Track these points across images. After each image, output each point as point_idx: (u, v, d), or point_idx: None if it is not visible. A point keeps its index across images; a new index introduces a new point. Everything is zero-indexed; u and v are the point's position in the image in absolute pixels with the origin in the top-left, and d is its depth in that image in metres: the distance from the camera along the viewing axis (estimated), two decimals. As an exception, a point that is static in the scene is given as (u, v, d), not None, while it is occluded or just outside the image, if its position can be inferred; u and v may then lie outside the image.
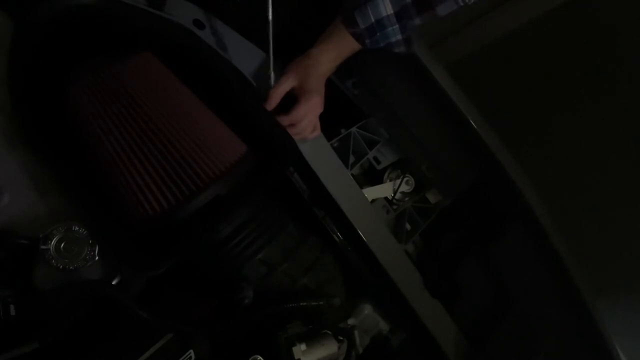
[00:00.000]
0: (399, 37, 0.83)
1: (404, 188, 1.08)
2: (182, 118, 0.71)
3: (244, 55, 0.86)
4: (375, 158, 1.08)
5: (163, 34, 0.79)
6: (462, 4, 0.81)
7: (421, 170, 1.10)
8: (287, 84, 0.83)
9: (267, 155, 0.77)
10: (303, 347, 0.76)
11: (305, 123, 0.85)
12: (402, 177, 1.07)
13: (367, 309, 0.94)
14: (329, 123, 0.92)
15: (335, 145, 1.00)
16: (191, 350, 0.68)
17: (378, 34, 0.82)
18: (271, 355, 0.74)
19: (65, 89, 0.71)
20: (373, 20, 0.81)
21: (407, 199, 1.09)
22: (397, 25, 0.82)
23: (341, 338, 0.84)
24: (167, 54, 0.78)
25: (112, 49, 0.75)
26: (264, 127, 0.80)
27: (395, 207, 1.06)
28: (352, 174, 1.00)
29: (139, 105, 0.69)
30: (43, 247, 0.63)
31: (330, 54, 0.86)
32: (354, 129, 1.05)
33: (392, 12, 0.80)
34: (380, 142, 1.08)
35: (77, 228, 0.65)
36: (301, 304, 0.79)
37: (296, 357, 0.76)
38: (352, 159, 1.03)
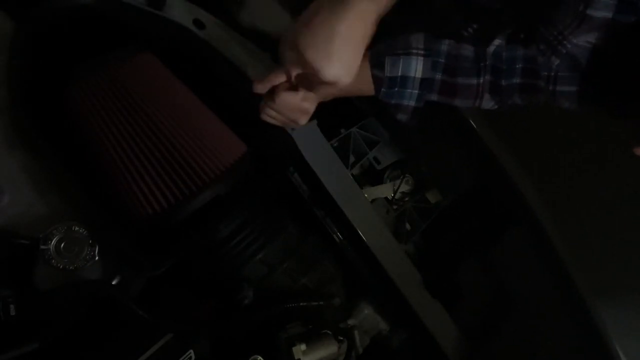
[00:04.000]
0: (412, 103, 0.79)
1: (404, 188, 1.08)
2: (182, 118, 0.71)
3: (244, 55, 0.86)
4: (375, 158, 1.08)
5: (163, 34, 0.79)
6: (476, 105, 0.78)
7: (421, 170, 1.10)
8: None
9: (267, 155, 0.78)
10: (303, 347, 0.76)
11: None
12: (402, 177, 1.07)
13: (367, 309, 0.94)
14: (329, 123, 0.92)
15: (335, 145, 1.00)
16: (191, 350, 0.68)
17: (396, 89, 0.77)
18: (271, 355, 0.74)
19: (65, 89, 0.71)
20: (400, 74, 0.76)
21: (407, 199, 1.09)
22: (417, 91, 0.77)
23: (341, 338, 0.84)
24: (167, 54, 0.78)
25: (112, 49, 0.75)
26: (263, 127, 0.80)
27: (395, 207, 1.06)
28: (352, 174, 1.00)
29: (139, 105, 0.70)
30: (43, 247, 0.63)
31: None
32: (354, 129, 1.05)
33: (420, 76, 0.76)
34: (380, 142, 1.08)
35: (77, 228, 0.64)
36: (301, 304, 0.79)
37: (296, 357, 0.75)
38: (352, 159, 1.03)
